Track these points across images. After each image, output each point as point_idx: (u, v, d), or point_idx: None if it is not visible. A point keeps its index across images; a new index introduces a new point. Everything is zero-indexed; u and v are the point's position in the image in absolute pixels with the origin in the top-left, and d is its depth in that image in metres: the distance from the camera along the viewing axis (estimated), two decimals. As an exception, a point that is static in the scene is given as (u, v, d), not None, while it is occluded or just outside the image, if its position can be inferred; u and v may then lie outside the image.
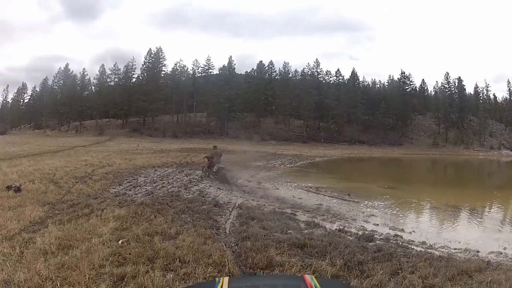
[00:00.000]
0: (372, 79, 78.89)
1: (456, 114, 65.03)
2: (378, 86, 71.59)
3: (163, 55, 63.63)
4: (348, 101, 60.31)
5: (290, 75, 67.43)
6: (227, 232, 7.08)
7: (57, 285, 3.70)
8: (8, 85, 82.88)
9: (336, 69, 69.24)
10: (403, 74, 67.38)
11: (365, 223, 10.79)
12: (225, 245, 5.76)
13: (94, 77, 67.42)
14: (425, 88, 72.69)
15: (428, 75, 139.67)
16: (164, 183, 12.85)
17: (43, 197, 8.49)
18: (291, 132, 59.04)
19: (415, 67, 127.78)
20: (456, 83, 67.83)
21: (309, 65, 66.71)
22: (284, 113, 60.95)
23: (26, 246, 4.87)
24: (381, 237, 9.05)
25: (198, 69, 66.60)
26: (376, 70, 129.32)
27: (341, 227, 9.56)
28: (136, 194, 10.25)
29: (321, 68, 65.82)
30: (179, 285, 3.97)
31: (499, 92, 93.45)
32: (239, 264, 5.00)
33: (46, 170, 13.67)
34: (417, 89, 71.13)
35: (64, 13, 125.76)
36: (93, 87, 68.27)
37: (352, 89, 63.33)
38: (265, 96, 62.47)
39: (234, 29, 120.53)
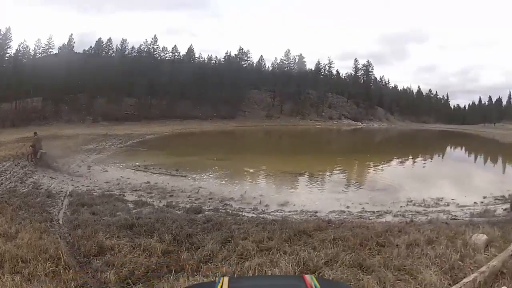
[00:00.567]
0: (208, 55, 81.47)
1: (294, 88, 67.04)
2: (214, 61, 76.12)
3: (10, 36, 54.71)
4: (181, 77, 59.45)
5: (127, 52, 66.21)
6: (61, 222, 7.04)
7: None
8: None
9: (173, 46, 68.20)
10: (241, 50, 69.36)
11: (193, 195, 11.15)
12: (60, 237, 5.70)
13: None
14: (263, 64, 74.67)
15: (275, 53, 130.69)
16: (2, 179, 12.40)
17: None
18: (124, 111, 55.67)
19: (260, 47, 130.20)
20: (297, 59, 70.76)
21: (146, 41, 63.81)
22: (117, 91, 56.53)
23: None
24: (210, 207, 9.37)
25: (39, 49, 58.05)
26: (217, 47, 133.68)
27: (169, 203, 9.74)
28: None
29: (157, 45, 66.49)
30: (26, 287, 3.80)
31: (345, 69, 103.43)
32: (74, 255, 4.98)
33: None
34: (254, 64, 72.71)
35: None
36: None
37: (186, 65, 63.08)
38: (100, 75, 60.16)
39: (76, 2, 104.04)
